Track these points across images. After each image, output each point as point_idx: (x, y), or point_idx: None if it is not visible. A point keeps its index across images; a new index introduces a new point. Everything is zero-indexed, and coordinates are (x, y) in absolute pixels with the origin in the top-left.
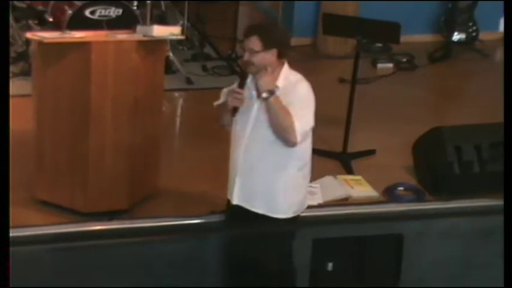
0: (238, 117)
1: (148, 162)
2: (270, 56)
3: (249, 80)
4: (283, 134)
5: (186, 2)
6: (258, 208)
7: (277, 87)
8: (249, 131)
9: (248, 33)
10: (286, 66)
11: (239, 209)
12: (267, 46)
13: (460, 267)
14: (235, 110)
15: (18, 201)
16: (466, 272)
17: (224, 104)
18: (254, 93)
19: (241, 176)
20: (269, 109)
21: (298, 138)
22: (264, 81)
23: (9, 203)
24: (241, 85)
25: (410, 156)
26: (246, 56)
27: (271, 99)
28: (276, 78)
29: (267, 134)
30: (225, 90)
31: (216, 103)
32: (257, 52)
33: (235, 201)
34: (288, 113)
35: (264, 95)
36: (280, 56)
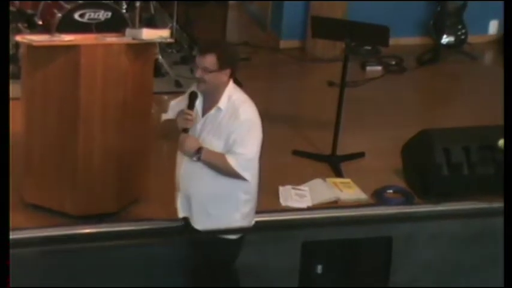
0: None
1: (137, 165)
2: (224, 75)
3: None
4: (231, 176)
5: (175, 4)
6: (203, 225)
7: (219, 108)
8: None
9: (205, 50)
10: (231, 85)
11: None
12: (222, 66)
13: (449, 270)
14: (185, 130)
15: None
16: (455, 275)
17: (173, 120)
18: (199, 111)
19: (182, 192)
20: (206, 164)
21: (246, 174)
22: (188, 146)
23: (9, 203)
24: (192, 106)
25: (399, 158)
26: (199, 73)
27: (203, 156)
28: (219, 98)
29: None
30: (173, 103)
31: (164, 117)
32: (212, 71)
33: (180, 214)
34: (220, 158)
35: (194, 158)
36: (231, 76)
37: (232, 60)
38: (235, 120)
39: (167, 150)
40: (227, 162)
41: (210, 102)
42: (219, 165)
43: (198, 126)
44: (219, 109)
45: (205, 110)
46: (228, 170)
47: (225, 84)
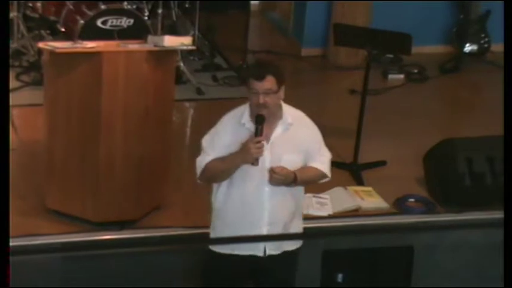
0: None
1: (158, 173)
2: (282, 93)
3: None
4: (316, 182)
5: (197, 11)
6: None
7: (289, 124)
8: (266, 180)
9: (263, 74)
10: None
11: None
12: (280, 84)
13: (470, 280)
14: (257, 160)
15: (29, 211)
16: (476, 284)
17: (232, 156)
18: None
19: (268, 226)
20: (302, 184)
21: (329, 174)
22: (282, 180)
23: (9, 205)
24: (261, 131)
25: (421, 167)
26: (262, 99)
27: (298, 179)
28: (279, 115)
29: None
30: (209, 141)
31: (206, 160)
32: (274, 92)
33: (268, 251)
34: (312, 171)
35: (292, 185)
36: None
37: (284, 76)
38: (308, 130)
39: (187, 157)
40: (318, 170)
41: (270, 123)
42: (311, 177)
43: (265, 151)
44: (289, 124)
45: (267, 134)
46: (318, 178)
47: (281, 101)
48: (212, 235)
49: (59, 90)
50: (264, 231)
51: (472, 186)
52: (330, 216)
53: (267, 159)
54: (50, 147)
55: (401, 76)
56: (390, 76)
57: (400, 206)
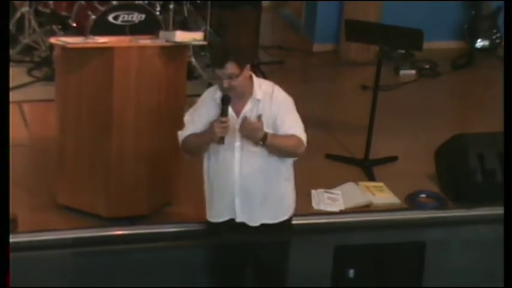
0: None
1: (169, 168)
2: (247, 72)
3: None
4: (293, 155)
5: (209, 7)
6: (262, 220)
7: (257, 100)
8: (239, 154)
9: (222, 62)
10: (254, 77)
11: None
12: (242, 66)
13: (482, 275)
14: (222, 139)
15: (40, 206)
16: (488, 280)
17: (202, 134)
18: (233, 114)
19: (240, 195)
20: (270, 149)
21: (305, 143)
22: (251, 131)
23: (9, 204)
24: (226, 113)
25: (432, 163)
26: (226, 84)
27: (268, 141)
28: (250, 92)
29: (257, 152)
30: (189, 117)
31: (184, 134)
32: (237, 76)
33: (239, 219)
34: (287, 139)
35: (260, 143)
36: (252, 68)
37: (247, 55)
38: (275, 104)
39: None
40: (291, 139)
41: (241, 100)
42: (285, 144)
43: (236, 127)
44: (257, 100)
45: (238, 110)
46: (292, 149)
47: (251, 78)
48: (207, 206)
49: (71, 85)
50: (237, 199)
51: (483, 182)
52: (341, 212)
53: (236, 136)
54: (61, 143)
55: (413, 72)
56: (402, 72)
57: (411, 201)
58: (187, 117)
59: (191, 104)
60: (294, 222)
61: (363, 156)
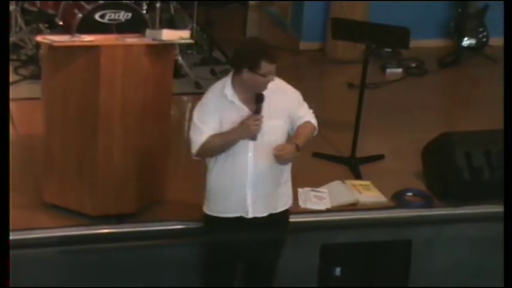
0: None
1: (156, 166)
2: None
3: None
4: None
5: (196, 5)
6: (276, 209)
7: (270, 91)
8: (252, 148)
9: (276, 57)
10: None
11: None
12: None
13: (468, 274)
14: (255, 134)
15: (27, 204)
16: (474, 279)
17: (229, 133)
18: (246, 109)
19: (252, 188)
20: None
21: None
22: (288, 158)
23: (9, 203)
24: (260, 109)
25: (419, 161)
26: (271, 79)
27: (301, 148)
28: None
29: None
30: (201, 120)
31: (203, 138)
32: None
33: (250, 214)
34: (306, 131)
35: (298, 154)
36: None
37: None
38: (287, 95)
39: (186, 151)
40: (310, 124)
41: (249, 95)
42: (309, 136)
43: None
44: (270, 91)
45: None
46: (312, 134)
47: None
48: (206, 206)
49: (57, 84)
50: (249, 195)
51: (470, 180)
52: (327, 210)
53: (262, 131)
54: (48, 141)
55: (400, 70)
56: (388, 70)
57: (398, 200)
58: (197, 119)
59: (178, 103)
60: None
61: (349, 154)
